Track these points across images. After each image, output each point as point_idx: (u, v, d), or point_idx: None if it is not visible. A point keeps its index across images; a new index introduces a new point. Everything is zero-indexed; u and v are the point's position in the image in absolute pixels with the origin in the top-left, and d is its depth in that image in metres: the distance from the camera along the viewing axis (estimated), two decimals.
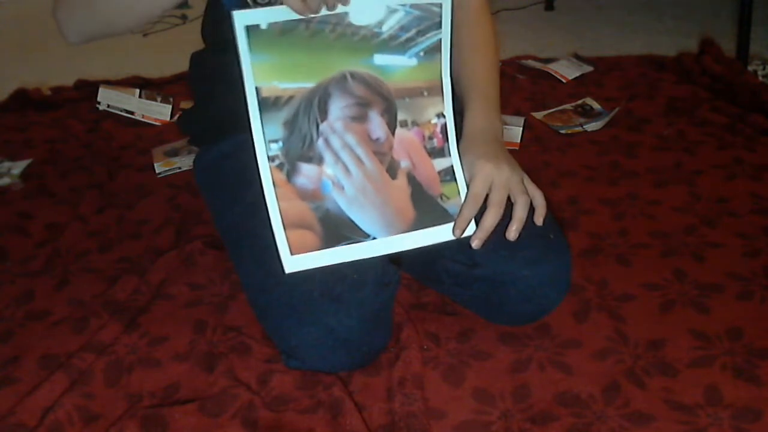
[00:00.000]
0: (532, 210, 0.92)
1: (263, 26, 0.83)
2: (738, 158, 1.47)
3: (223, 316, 1.06)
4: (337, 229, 0.88)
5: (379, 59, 0.88)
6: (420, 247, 0.92)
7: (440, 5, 0.88)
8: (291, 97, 0.86)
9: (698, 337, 1.00)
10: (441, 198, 0.92)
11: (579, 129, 1.63)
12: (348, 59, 0.87)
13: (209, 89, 1.12)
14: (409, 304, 1.07)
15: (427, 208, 0.92)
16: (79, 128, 1.71)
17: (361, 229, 0.89)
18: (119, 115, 1.77)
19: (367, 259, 0.90)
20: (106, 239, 1.27)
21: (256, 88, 0.84)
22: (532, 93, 1.84)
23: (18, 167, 1.52)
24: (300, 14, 0.83)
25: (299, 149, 0.87)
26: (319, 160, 0.88)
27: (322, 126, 0.87)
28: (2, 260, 1.22)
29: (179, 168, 1.50)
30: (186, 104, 1.77)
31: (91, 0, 0.93)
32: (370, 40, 0.87)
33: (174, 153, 1.56)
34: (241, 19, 0.82)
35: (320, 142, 0.87)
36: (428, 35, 0.89)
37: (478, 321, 1.03)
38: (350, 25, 0.86)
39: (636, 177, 1.42)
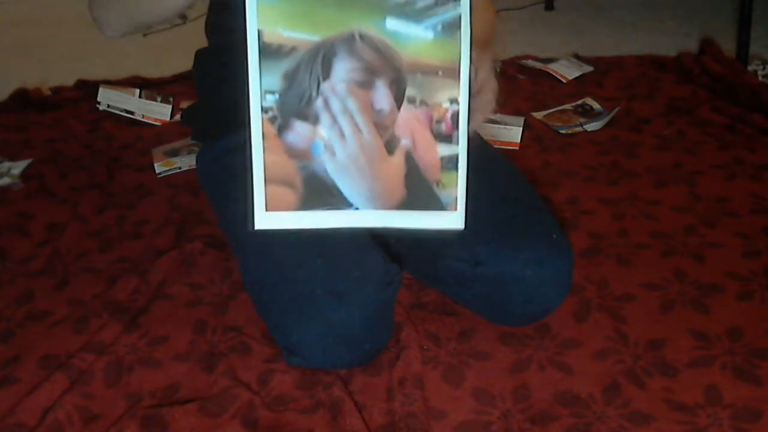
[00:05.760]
0: (531, 212, 0.91)
1: None
2: (738, 158, 1.47)
3: (223, 316, 1.06)
4: (319, 192, 0.84)
5: (392, 24, 0.83)
6: (402, 228, 0.87)
7: None
8: (294, 48, 0.81)
9: (698, 337, 1.00)
10: (437, 184, 0.87)
11: (579, 129, 1.63)
12: (359, 17, 0.82)
13: (213, 85, 1.12)
14: (409, 304, 1.07)
15: (419, 192, 0.87)
16: (79, 128, 1.71)
17: (344, 197, 0.85)
18: (119, 115, 1.77)
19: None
20: (106, 239, 1.27)
21: (259, 32, 0.79)
22: (532, 93, 1.84)
23: (18, 167, 1.52)
24: None
25: (296, 105, 0.82)
26: (315, 120, 0.83)
27: (324, 85, 0.82)
28: (2, 260, 1.22)
29: (179, 168, 1.50)
30: (186, 104, 1.77)
31: None
32: (385, 0, 0.83)
33: (174, 153, 1.56)
34: None
35: (319, 102, 0.83)
36: (447, 6, 0.84)
37: (478, 321, 1.03)
38: None
39: (636, 177, 1.42)
